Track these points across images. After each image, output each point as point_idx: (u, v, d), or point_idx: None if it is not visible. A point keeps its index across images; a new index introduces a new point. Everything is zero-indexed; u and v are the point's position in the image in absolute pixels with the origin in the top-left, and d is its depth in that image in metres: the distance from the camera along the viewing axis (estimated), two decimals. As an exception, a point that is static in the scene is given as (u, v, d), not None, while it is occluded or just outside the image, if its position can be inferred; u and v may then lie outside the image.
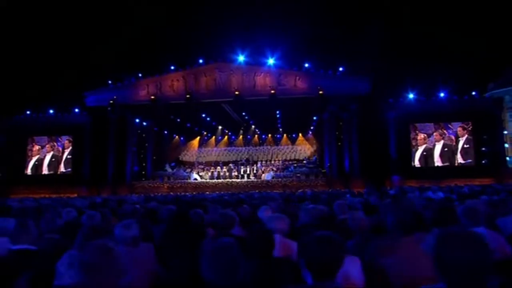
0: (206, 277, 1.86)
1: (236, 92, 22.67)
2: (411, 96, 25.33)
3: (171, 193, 22.51)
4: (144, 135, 27.48)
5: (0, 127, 26.84)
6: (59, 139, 27.55)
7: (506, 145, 26.55)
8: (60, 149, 27.48)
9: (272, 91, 22.43)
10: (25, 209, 5.70)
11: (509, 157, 27.63)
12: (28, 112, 27.52)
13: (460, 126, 24.79)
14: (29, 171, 27.38)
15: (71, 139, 27.39)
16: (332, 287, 1.85)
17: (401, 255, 2.39)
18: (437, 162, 24.70)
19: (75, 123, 27.07)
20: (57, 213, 5.28)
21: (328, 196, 7.89)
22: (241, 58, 23.89)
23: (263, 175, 26.20)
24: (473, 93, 25.37)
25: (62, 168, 27.35)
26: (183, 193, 20.69)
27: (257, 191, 20.37)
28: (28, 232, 3.22)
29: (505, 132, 27.26)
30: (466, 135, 24.62)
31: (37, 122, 27.41)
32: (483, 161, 24.47)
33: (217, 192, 20.48)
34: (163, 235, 3.52)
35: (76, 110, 27.22)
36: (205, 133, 32.56)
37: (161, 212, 4.45)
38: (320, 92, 21.96)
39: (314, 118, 27.00)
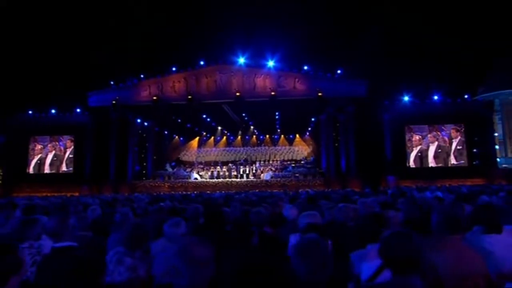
0: (297, 273, 1.84)
1: (237, 93, 23.21)
2: (406, 98, 26.07)
3: (173, 192, 22.99)
4: (144, 135, 27.92)
5: (2, 126, 27.07)
6: (61, 138, 27.88)
7: (497, 147, 27.42)
8: (62, 148, 27.82)
9: (273, 93, 23.01)
10: (54, 207, 6.12)
11: (500, 158, 28.51)
12: (30, 112, 27.81)
13: (453, 128, 25.58)
14: (31, 170, 27.65)
15: (72, 139, 27.71)
16: (416, 282, 1.83)
17: (450, 253, 2.36)
18: (431, 163, 25.47)
19: (76, 123, 27.42)
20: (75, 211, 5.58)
21: (339, 196, 8.25)
22: (241, 60, 24.44)
23: (262, 175, 26.76)
24: (466, 96, 26.21)
25: (63, 167, 27.69)
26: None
27: (257, 190, 20.98)
28: (68, 230, 3.24)
29: (496, 134, 28.12)
30: (459, 137, 25.42)
31: (39, 121, 27.71)
32: (475, 162, 25.28)
33: (217, 191, 21.00)
34: (199, 233, 3.46)
35: (78, 110, 27.56)
36: (204, 133, 33.06)
37: (189, 211, 4.57)
38: (320, 94, 22.56)
39: (312, 119, 27.61)
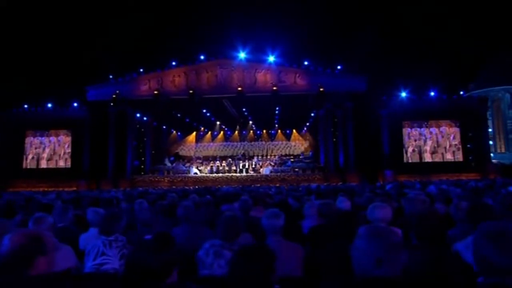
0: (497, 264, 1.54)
1: (239, 88, 23.26)
2: (403, 94, 26.48)
3: (174, 186, 23.01)
4: (143, 129, 27.72)
5: (-2, 120, 26.63)
6: (58, 133, 27.50)
7: (491, 142, 28.14)
8: (58, 143, 27.46)
9: (274, 88, 23.14)
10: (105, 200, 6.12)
11: (493, 153, 29.28)
12: (25, 106, 27.35)
13: (448, 124, 26.14)
14: (27, 165, 27.25)
15: (69, 133, 27.37)
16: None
17: None
18: (427, 158, 26.00)
19: (74, 117, 27.06)
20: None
21: (360, 190, 8.37)
22: (242, 55, 24.49)
23: (261, 169, 26.91)
24: (461, 92, 26.79)
25: (60, 162, 27.36)
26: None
27: (258, 185, 21.16)
28: (121, 223, 3.13)
29: (490, 129, 28.85)
30: (454, 133, 25.99)
31: (35, 116, 27.29)
32: (470, 157, 25.90)
33: (218, 186, 21.07)
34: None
35: (75, 104, 27.21)
36: (202, 128, 33.02)
37: (240, 203, 4.66)
38: (321, 89, 22.80)
39: (312, 114, 27.84)
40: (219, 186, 21.55)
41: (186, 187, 20.95)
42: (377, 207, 3.30)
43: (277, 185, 21.35)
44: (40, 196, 8.29)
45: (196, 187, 21.07)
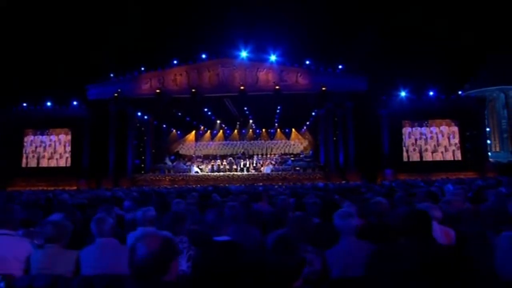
0: None
1: (242, 87, 23.30)
2: (402, 94, 26.70)
3: (176, 185, 22.99)
4: (143, 128, 27.64)
5: (-4, 119, 26.35)
6: (57, 131, 27.29)
7: (488, 141, 28.54)
8: (58, 142, 27.26)
9: (277, 87, 23.22)
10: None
11: (494, 152, 29.69)
12: (24, 104, 27.09)
13: (447, 124, 26.46)
14: (26, 164, 27.02)
15: (69, 132, 27.18)
16: None
17: None
18: (428, 157, 26.29)
19: (73, 116, 26.85)
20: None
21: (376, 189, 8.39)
22: (243, 54, 24.51)
23: (262, 168, 27.01)
24: (460, 92, 27.12)
25: (59, 161, 27.17)
26: (188, 186, 21.21)
27: (261, 184, 21.23)
28: (185, 223, 3.14)
29: (488, 129, 29.25)
30: (453, 132, 26.32)
31: (34, 114, 27.03)
32: (468, 156, 26.24)
33: (221, 185, 21.08)
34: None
35: (75, 103, 27.00)
36: (202, 127, 32.99)
37: (278, 203, 4.80)
38: (323, 88, 22.94)
39: (313, 114, 27.97)
40: (221, 184, 21.61)
41: (189, 186, 20.98)
42: (432, 208, 3.34)
43: (280, 183, 21.50)
44: (67, 196, 8.24)
45: (198, 185, 21.13)
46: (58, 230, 2.74)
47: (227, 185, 20.74)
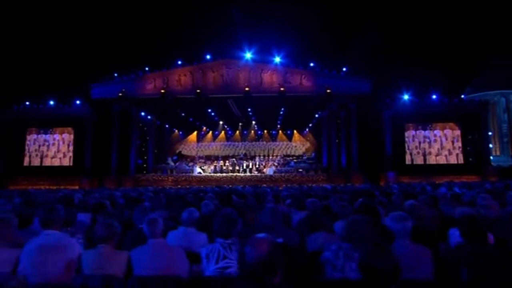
0: None
1: (247, 88, 23.32)
2: (406, 97, 26.79)
3: (179, 186, 22.95)
4: (145, 128, 27.60)
5: (-1, 117, 26.24)
6: (60, 130, 27.19)
7: (491, 145, 28.66)
8: (60, 141, 27.17)
9: (282, 89, 23.26)
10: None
11: (495, 156, 29.82)
12: (27, 103, 26.99)
13: (450, 127, 26.56)
14: (28, 163, 26.91)
15: (72, 131, 27.09)
16: None
17: None
18: (432, 160, 26.37)
19: (76, 115, 26.77)
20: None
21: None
22: (248, 55, 24.54)
23: (265, 169, 27.01)
24: (462, 96, 27.23)
25: (62, 160, 27.07)
26: (188, 186, 21.17)
27: (265, 185, 21.23)
28: (237, 226, 3.10)
29: (490, 133, 29.37)
30: (455, 135, 26.42)
31: (37, 113, 26.94)
32: (470, 160, 26.34)
33: (225, 186, 21.05)
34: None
35: (78, 102, 26.93)
36: (204, 128, 32.95)
37: (308, 204, 4.84)
38: (328, 90, 23.00)
39: (316, 116, 28.01)
40: (225, 185, 21.57)
41: (201, 186, 20.89)
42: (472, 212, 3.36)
43: (284, 185, 21.50)
44: (80, 195, 8.20)
45: (201, 186, 21.09)
46: (109, 230, 2.74)
47: (230, 186, 20.76)
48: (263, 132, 34.11)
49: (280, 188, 15.39)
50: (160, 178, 25.81)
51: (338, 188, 13.14)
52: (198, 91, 23.51)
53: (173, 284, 2.55)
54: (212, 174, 26.59)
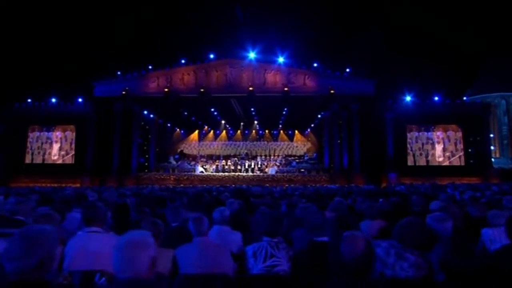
0: None
1: (250, 88, 23.32)
2: (408, 98, 26.86)
3: (182, 185, 22.91)
4: (147, 127, 27.53)
5: (0, 115, 26.08)
6: (61, 128, 27.10)
7: (492, 147, 28.78)
8: (62, 138, 27.08)
9: (286, 89, 23.27)
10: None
11: (494, 158, 29.95)
12: (29, 100, 26.88)
13: (451, 128, 26.66)
14: (30, 160, 26.80)
15: (73, 129, 27.00)
16: None
17: None
18: (434, 161, 26.46)
19: (78, 113, 26.67)
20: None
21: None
22: (251, 55, 24.56)
23: (267, 169, 27.03)
24: (464, 98, 27.33)
25: (63, 158, 26.98)
26: (190, 185, 21.14)
27: (267, 185, 21.23)
28: (283, 225, 3.15)
29: (492, 135, 29.50)
30: (458, 137, 26.51)
31: (38, 110, 26.85)
32: (471, 162, 26.43)
33: (227, 185, 21.04)
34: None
35: (80, 100, 26.84)
36: (206, 127, 32.90)
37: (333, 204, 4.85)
38: (332, 91, 23.04)
39: (319, 116, 28.02)
40: (227, 185, 21.56)
41: (187, 186, 20.81)
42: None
43: (286, 185, 21.52)
44: (96, 193, 8.18)
45: (205, 185, 21.07)
46: (155, 228, 2.74)
47: (233, 185, 20.76)
48: (265, 132, 34.08)
49: (285, 188, 15.41)
50: (162, 177, 25.76)
51: (345, 189, 13.15)
52: (202, 90, 23.49)
53: (221, 282, 2.55)
54: (214, 173, 26.56)
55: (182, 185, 22.92)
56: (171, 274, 2.69)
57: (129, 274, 1.59)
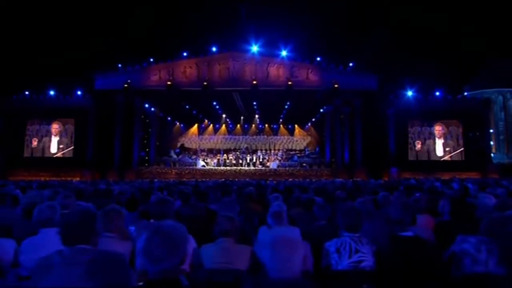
0: None
1: (254, 82, 23.18)
2: (409, 94, 26.94)
3: (184, 179, 22.78)
4: (148, 120, 27.29)
5: (-2, 107, 25.63)
6: (60, 121, 26.71)
7: (492, 143, 29.05)
8: (61, 132, 26.70)
9: (289, 83, 23.17)
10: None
11: (494, 153, 30.25)
12: (27, 93, 26.39)
13: (452, 124, 26.83)
14: (28, 154, 26.41)
15: (73, 122, 26.62)
16: None
17: None
18: (430, 156, 26.65)
19: (77, 106, 26.27)
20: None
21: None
22: (254, 48, 24.36)
23: (268, 163, 27.00)
24: (465, 93, 27.49)
25: (62, 151, 26.64)
26: (193, 179, 21.03)
27: (270, 179, 21.21)
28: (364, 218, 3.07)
29: (491, 130, 29.76)
30: (457, 132, 26.70)
31: (37, 103, 26.36)
32: (471, 157, 26.66)
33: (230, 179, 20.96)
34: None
35: (79, 92, 26.42)
36: (207, 121, 32.64)
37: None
38: (336, 85, 22.99)
39: (321, 110, 27.97)
40: (230, 179, 21.49)
41: (190, 180, 20.73)
42: None
43: (290, 179, 21.54)
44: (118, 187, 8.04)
45: (208, 179, 20.97)
46: (232, 224, 2.66)
47: (236, 179, 20.71)
48: (264, 126, 33.93)
49: (289, 182, 15.38)
50: (163, 171, 25.61)
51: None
52: (205, 83, 23.26)
53: (305, 277, 2.48)
54: (216, 167, 26.47)
55: (184, 179, 22.78)
56: (250, 271, 2.62)
57: (284, 274, 1.51)
